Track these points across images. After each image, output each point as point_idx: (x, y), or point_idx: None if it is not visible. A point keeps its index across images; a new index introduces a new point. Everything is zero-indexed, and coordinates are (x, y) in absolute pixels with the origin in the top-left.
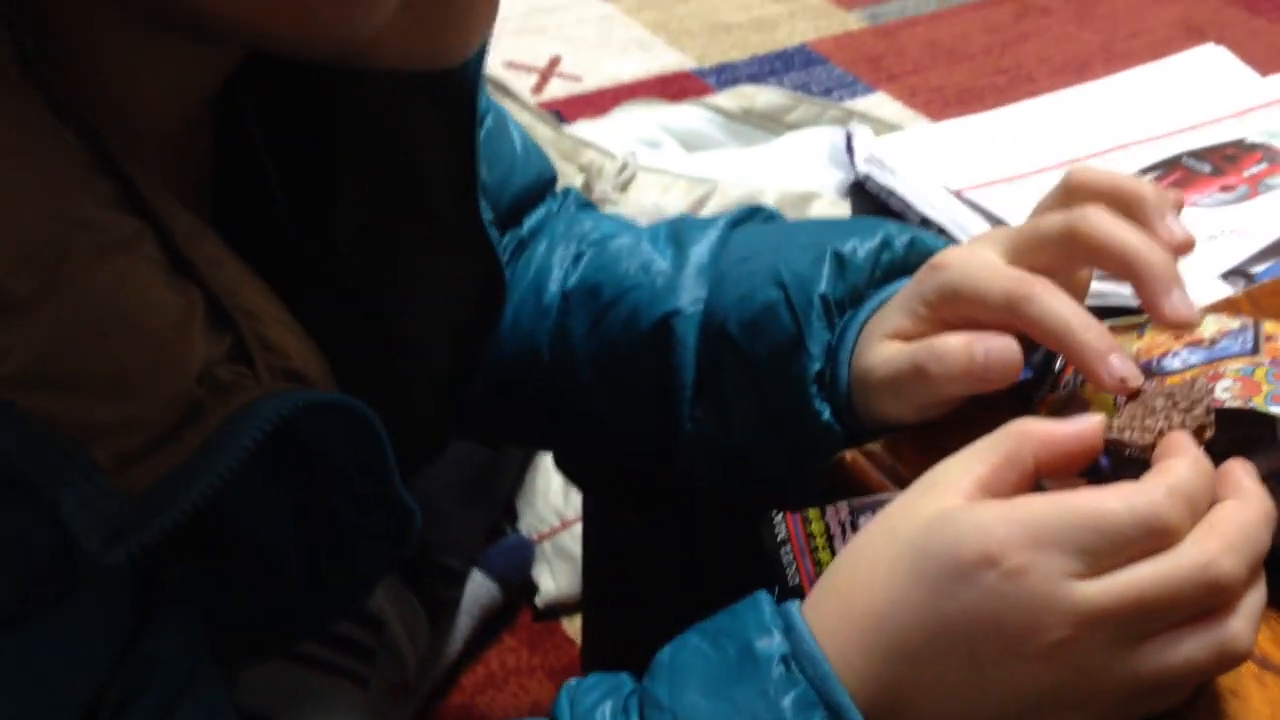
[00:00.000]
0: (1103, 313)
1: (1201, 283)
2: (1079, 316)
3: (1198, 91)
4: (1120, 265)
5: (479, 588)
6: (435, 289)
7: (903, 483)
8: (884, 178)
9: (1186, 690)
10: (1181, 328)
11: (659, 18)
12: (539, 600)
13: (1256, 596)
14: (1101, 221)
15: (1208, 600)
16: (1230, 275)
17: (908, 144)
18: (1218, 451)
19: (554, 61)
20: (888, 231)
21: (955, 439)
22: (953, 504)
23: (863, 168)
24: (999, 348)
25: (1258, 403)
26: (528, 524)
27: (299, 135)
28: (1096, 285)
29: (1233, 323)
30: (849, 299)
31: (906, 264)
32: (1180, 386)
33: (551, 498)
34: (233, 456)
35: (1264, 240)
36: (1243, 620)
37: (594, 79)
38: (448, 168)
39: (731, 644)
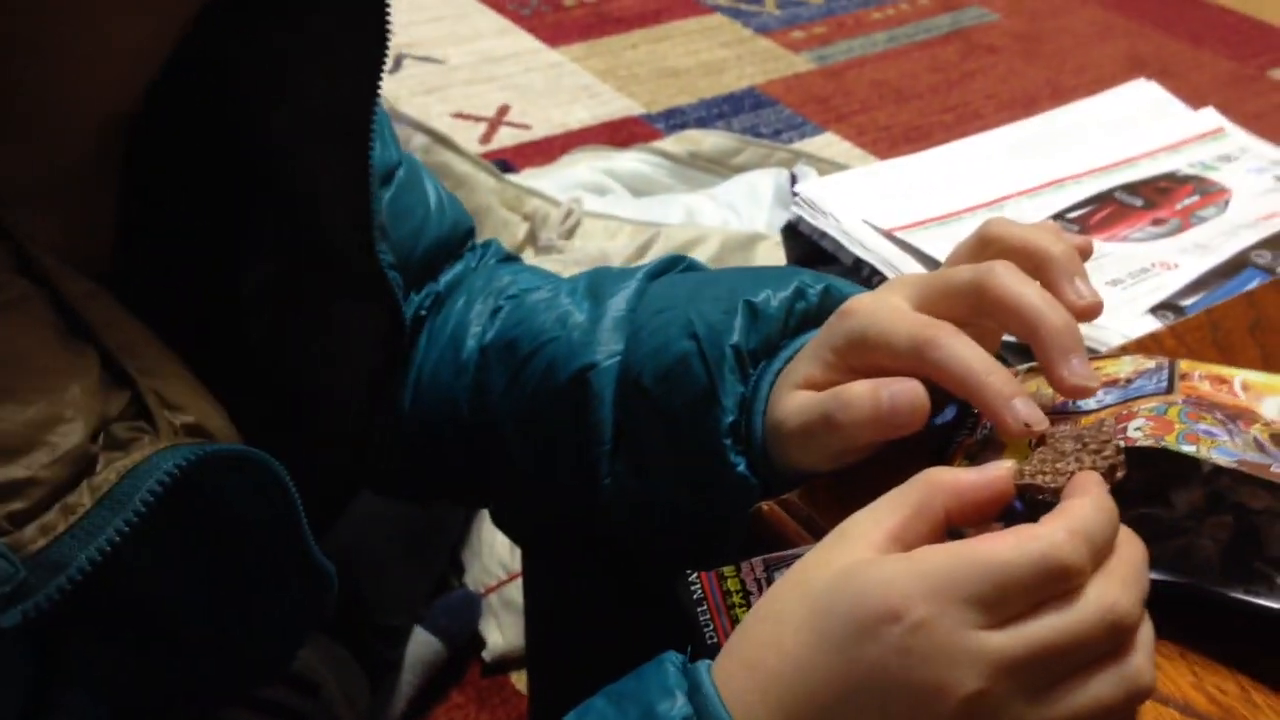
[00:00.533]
0: (1026, 351)
1: (1130, 319)
2: (983, 361)
3: (1131, 126)
4: (1022, 327)
5: (421, 645)
6: (340, 336)
7: (819, 533)
8: (816, 220)
9: None
10: (1079, 395)
11: (607, 64)
12: (487, 655)
13: (1147, 629)
14: (1008, 280)
15: (1111, 642)
16: (1160, 309)
17: (839, 186)
18: (1134, 490)
19: (502, 110)
20: (802, 280)
21: (872, 486)
22: (859, 558)
23: (794, 210)
24: (903, 391)
25: (1169, 441)
26: (474, 577)
27: (202, 188)
28: None
29: (1149, 362)
30: (762, 349)
31: (821, 312)
32: (1090, 428)
33: (498, 550)
34: (130, 510)
35: (1194, 273)
36: (1142, 655)
37: (543, 127)
38: (346, 210)
39: (634, 708)
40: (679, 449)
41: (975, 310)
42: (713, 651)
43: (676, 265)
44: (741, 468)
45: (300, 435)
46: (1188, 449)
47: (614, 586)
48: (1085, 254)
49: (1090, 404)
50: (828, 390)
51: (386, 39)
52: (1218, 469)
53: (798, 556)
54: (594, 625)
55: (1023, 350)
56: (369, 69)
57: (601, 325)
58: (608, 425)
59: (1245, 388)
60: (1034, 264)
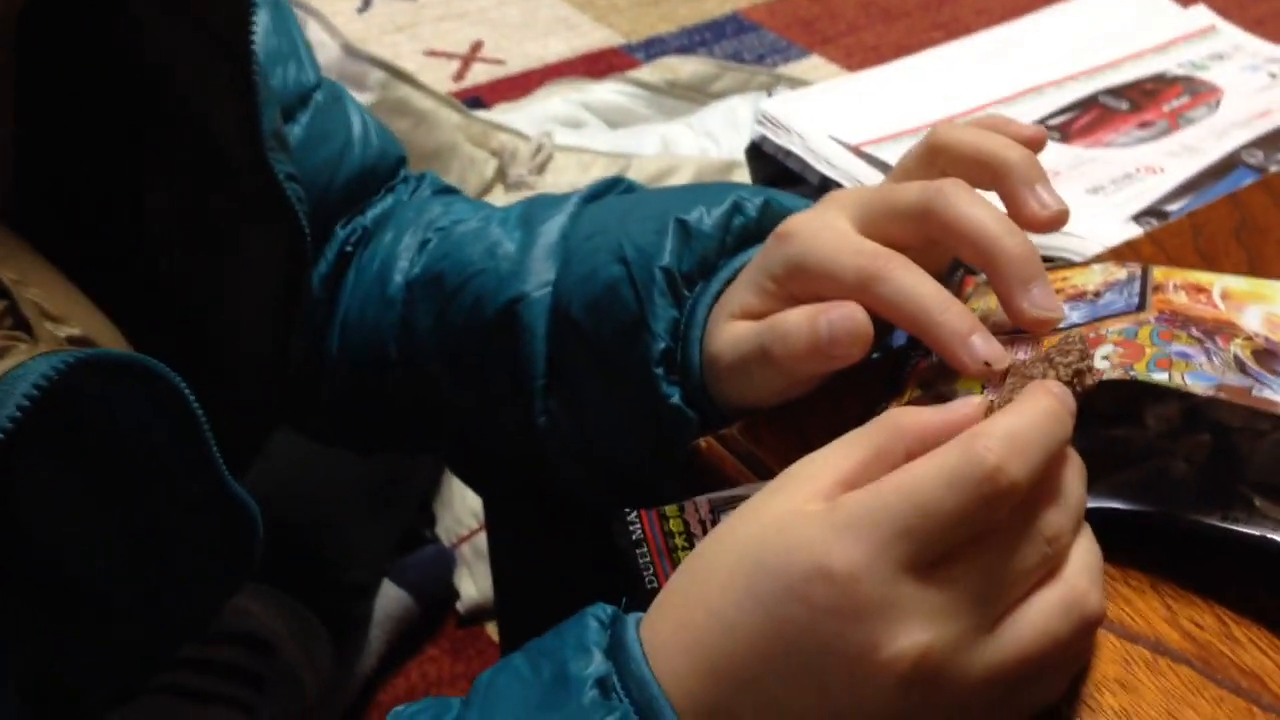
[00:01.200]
0: None
1: (1112, 227)
2: (936, 296)
3: (1118, 27)
4: (976, 255)
5: (391, 601)
6: (246, 259)
7: (761, 470)
8: (779, 138)
9: (1061, 677)
10: (1042, 328)
11: None
12: (460, 606)
13: (1085, 549)
14: (958, 203)
15: (1045, 565)
16: (1143, 216)
17: (805, 101)
18: (1105, 411)
19: (476, 46)
20: (739, 195)
21: (817, 419)
22: (795, 508)
23: (757, 129)
24: (842, 318)
25: (1139, 370)
26: (445, 528)
27: (95, 111)
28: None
29: (1120, 272)
30: (698, 271)
31: (761, 228)
32: (1056, 346)
33: (469, 499)
34: (4, 417)
35: (1181, 176)
36: (1085, 578)
37: (518, 62)
38: (233, 122)
39: (548, 666)
40: (611, 382)
41: (922, 235)
42: (653, 596)
43: (615, 187)
44: (675, 399)
45: (208, 366)
46: (1159, 377)
47: (577, 531)
48: (1038, 145)
49: None
50: (763, 320)
51: None
52: None
53: (745, 497)
54: (559, 572)
55: None
56: None
57: (532, 254)
58: (540, 360)
59: (1225, 296)
60: (989, 174)
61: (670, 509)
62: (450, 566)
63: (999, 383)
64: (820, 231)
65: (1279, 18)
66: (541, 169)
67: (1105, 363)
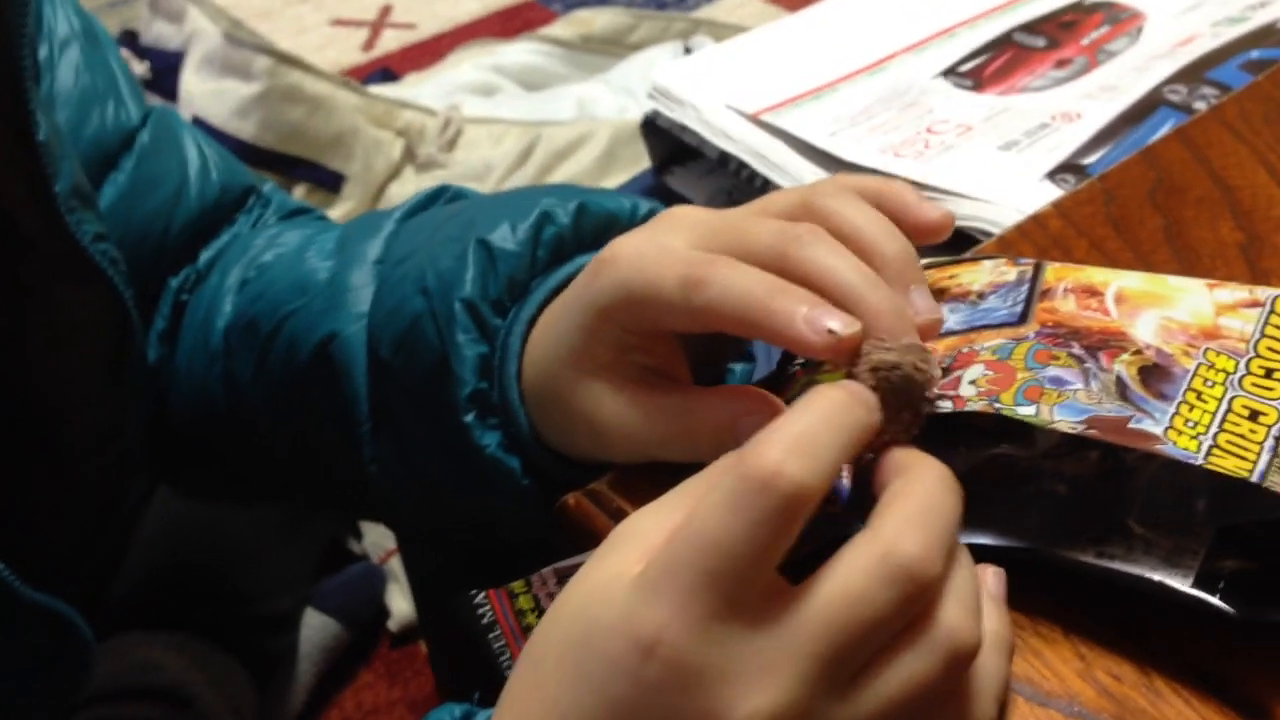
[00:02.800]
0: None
1: (1026, 187)
2: (763, 284)
3: None
4: (840, 305)
5: (315, 630)
6: (64, 325)
7: None
8: (673, 111)
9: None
10: (929, 334)
11: None
12: (393, 625)
13: (962, 577)
14: (816, 253)
15: (905, 600)
16: (1059, 173)
17: (698, 67)
18: (988, 428)
19: (385, 11)
20: (546, 203)
21: (694, 467)
22: (620, 572)
23: (649, 103)
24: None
25: (1004, 403)
26: (372, 541)
27: None
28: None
29: (1009, 272)
30: (507, 294)
31: (579, 236)
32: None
33: None
34: None
35: (1099, 122)
36: (953, 608)
37: (429, 24)
38: (24, 184)
39: None
40: (431, 426)
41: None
42: None
43: (439, 198)
44: (491, 448)
45: (36, 439)
46: (1025, 411)
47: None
48: (939, 233)
49: None
50: (668, 428)
51: None
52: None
53: None
54: (477, 578)
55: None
56: (13, 16)
57: (347, 284)
58: (363, 402)
59: (1120, 300)
60: (862, 259)
61: (517, 585)
62: (380, 584)
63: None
64: (647, 252)
65: None
66: (451, 145)
67: (972, 388)
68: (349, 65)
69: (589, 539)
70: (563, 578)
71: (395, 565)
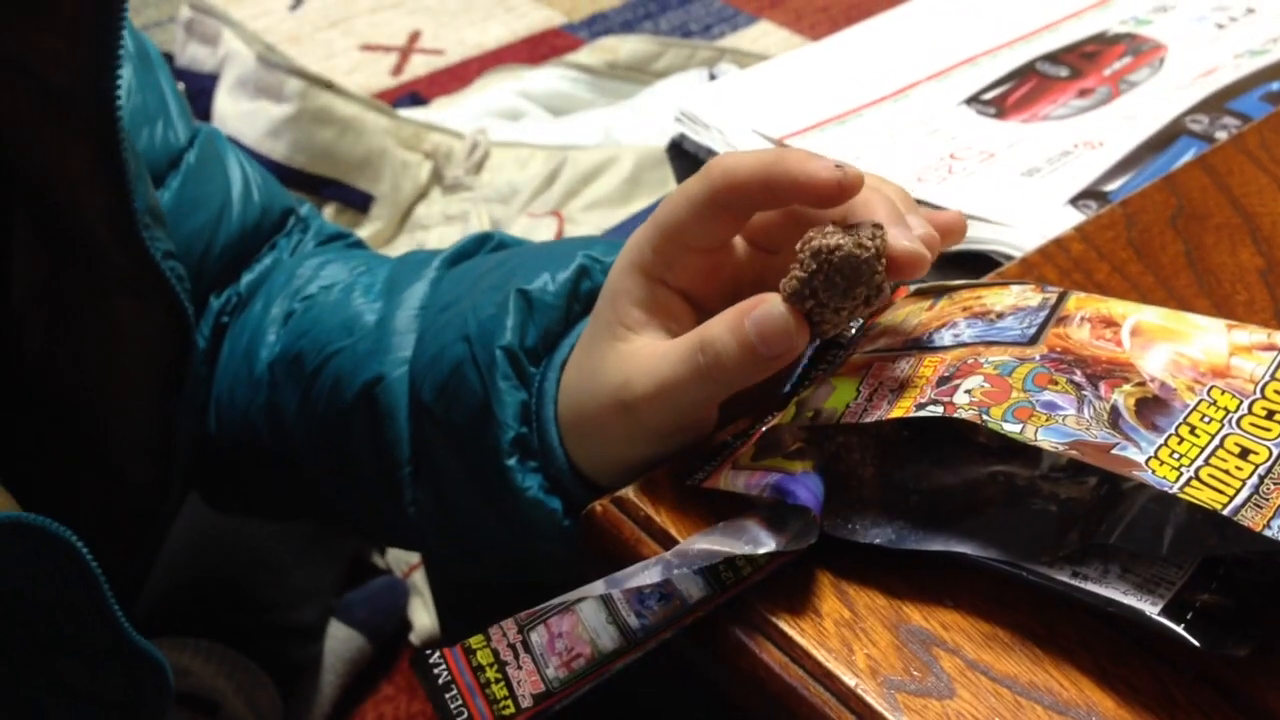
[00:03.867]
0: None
1: (1048, 213)
2: (767, 153)
3: None
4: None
5: (340, 642)
6: (119, 340)
7: (659, 534)
8: (699, 135)
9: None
10: (915, 269)
11: None
12: (414, 638)
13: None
14: (795, 159)
15: None
16: (1081, 199)
17: (725, 93)
18: (995, 447)
19: (414, 37)
20: (588, 256)
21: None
22: None
23: (675, 128)
24: (763, 315)
25: (993, 416)
26: (395, 556)
27: None
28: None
29: (1033, 298)
30: (542, 345)
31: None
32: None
33: None
34: None
35: (1122, 150)
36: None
37: (457, 50)
38: (98, 195)
39: None
40: (470, 470)
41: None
42: None
43: (484, 245)
44: (534, 491)
45: (93, 461)
46: (1010, 428)
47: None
48: (956, 234)
49: (946, 339)
50: (686, 343)
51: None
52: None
53: (558, 609)
54: (497, 603)
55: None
56: (105, 33)
57: (392, 327)
58: (404, 445)
59: (1136, 333)
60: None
61: (475, 640)
62: (403, 597)
63: (880, 393)
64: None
65: None
66: (478, 168)
67: (966, 397)
68: (378, 89)
69: (617, 547)
70: (524, 628)
71: (419, 579)
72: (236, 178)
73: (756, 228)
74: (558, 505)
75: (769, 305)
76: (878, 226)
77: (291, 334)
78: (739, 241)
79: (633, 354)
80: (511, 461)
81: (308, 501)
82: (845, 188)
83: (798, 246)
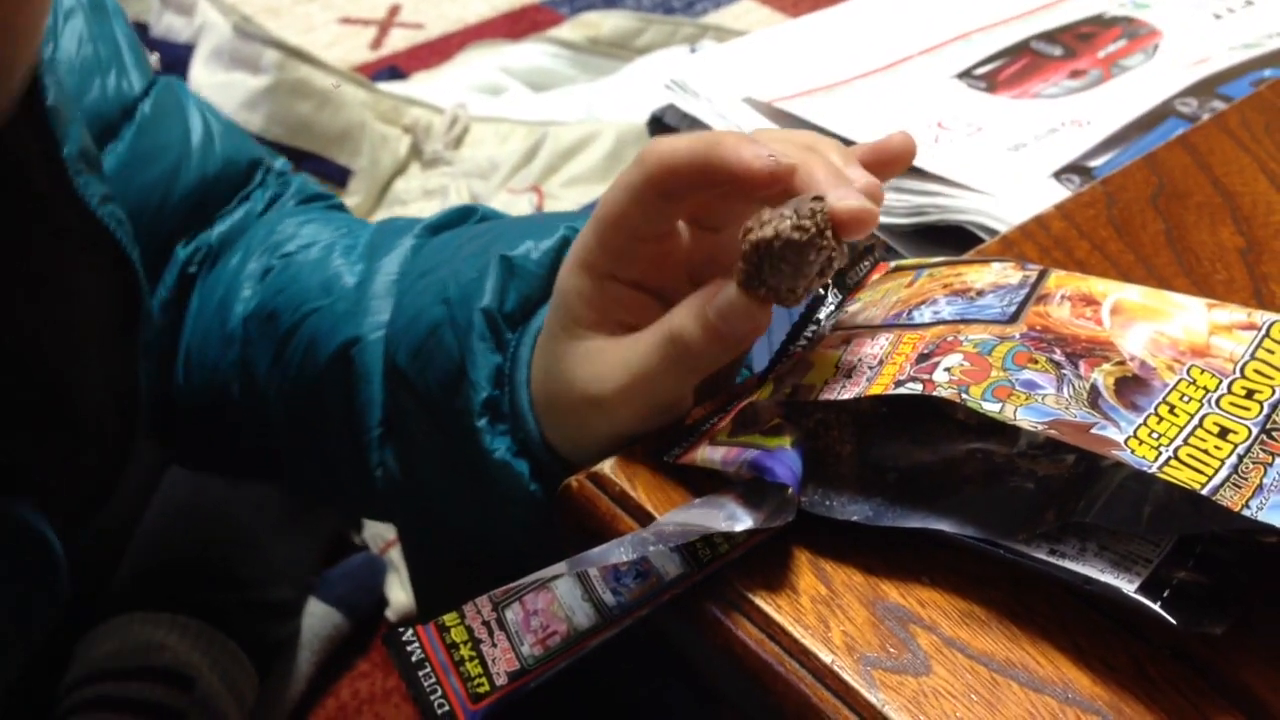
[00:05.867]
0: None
1: (1032, 186)
2: (705, 137)
3: None
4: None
5: (318, 619)
6: (72, 286)
7: (635, 511)
8: (686, 103)
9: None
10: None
11: None
12: (391, 614)
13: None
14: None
15: None
16: (1065, 173)
17: (717, 61)
18: (973, 423)
19: (393, 11)
20: (570, 227)
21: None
22: None
23: (665, 95)
24: (723, 300)
25: (972, 396)
26: (373, 532)
27: None
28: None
29: (1013, 276)
30: (519, 311)
31: None
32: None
33: None
34: None
35: (1108, 129)
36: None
37: (437, 25)
38: (36, 144)
39: None
40: (441, 434)
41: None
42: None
43: (468, 218)
44: (501, 453)
45: (49, 402)
46: (989, 407)
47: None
48: (904, 159)
49: (925, 316)
50: (655, 334)
51: None
52: None
53: (530, 586)
54: (472, 581)
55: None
56: None
57: (370, 291)
58: (376, 408)
59: (1116, 311)
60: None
61: (449, 617)
62: (380, 574)
63: (856, 374)
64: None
65: None
66: (458, 143)
67: (945, 375)
68: (357, 63)
69: (593, 522)
70: (498, 605)
71: (395, 555)
72: (197, 126)
73: (698, 209)
74: (525, 468)
75: (727, 293)
76: (816, 200)
77: (268, 290)
78: (683, 226)
79: (597, 351)
80: (482, 423)
81: (270, 460)
82: (778, 177)
83: (739, 237)
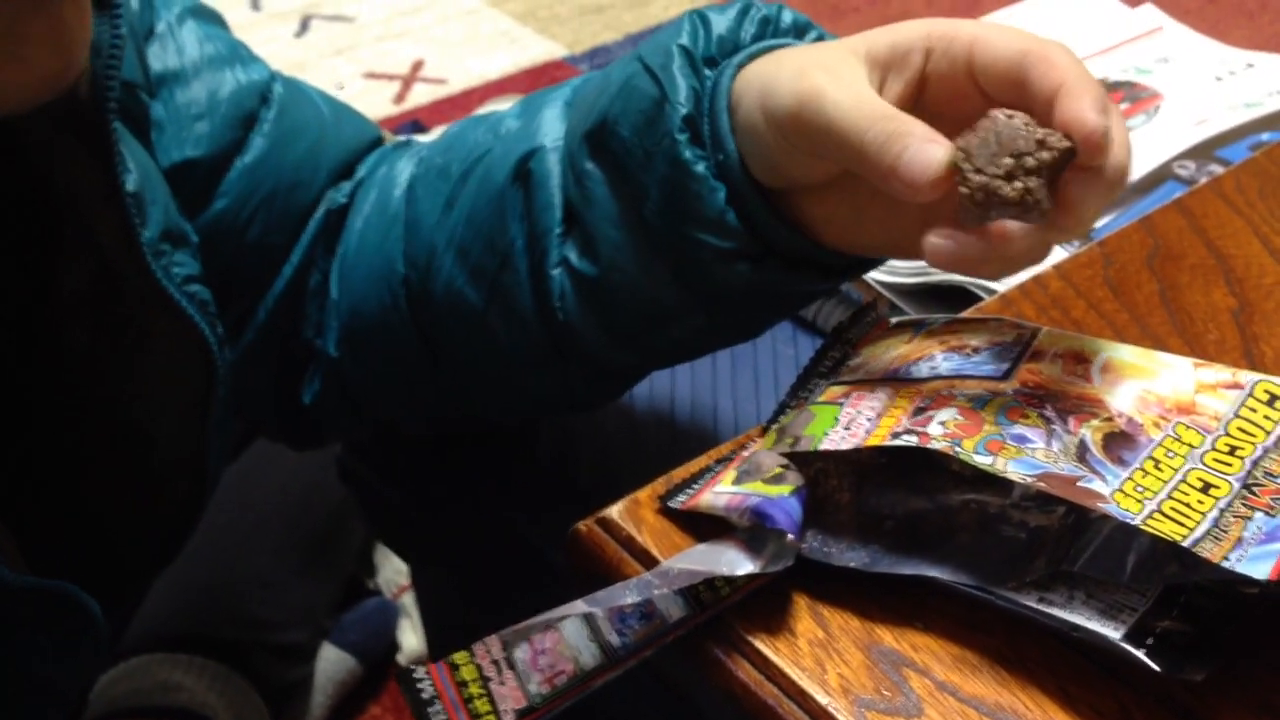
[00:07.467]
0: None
1: None
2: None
3: (1063, 30)
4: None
5: (332, 663)
6: (157, 354)
7: (640, 555)
8: None
9: None
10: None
11: (526, 7)
12: (402, 659)
13: None
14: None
15: None
16: None
17: None
18: (969, 474)
19: (417, 65)
20: (747, 2)
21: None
22: None
23: None
24: (918, 152)
25: (964, 449)
26: (386, 578)
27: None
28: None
29: (1008, 335)
30: (718, 52)
31: (778, 27)
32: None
33: None
34: None
35: None
36: None
37: (460, 80)
38: (115, 225)
39: None
40: (631, 191)
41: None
42: None
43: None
44: (701, 168)
45: (130, 466)
46: (982, 460)
47: (501, 583)
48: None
49: (923, 371)
50: (881, 109)
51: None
52: None
53: (543, 625)
54: (483, 623)
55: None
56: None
57: (541, 116)
58: (557, 207)
59: (1106, 370)
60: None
61: (459, 656)
62: (392, 620)
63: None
64: (841, 95)
65: (1233, 18)
66: None
67: (940, 428)
68: (381, 116)
69: (600, 566)
70: (507, 644)
71: (408, 601)
72: (325, 108)
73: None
74: (721, 189)
75: (933, 149)
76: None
77: (435, 150)
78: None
79: (849, 82)
80: (682, 138)
81: (423, 355)
82: (1101, 149)
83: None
